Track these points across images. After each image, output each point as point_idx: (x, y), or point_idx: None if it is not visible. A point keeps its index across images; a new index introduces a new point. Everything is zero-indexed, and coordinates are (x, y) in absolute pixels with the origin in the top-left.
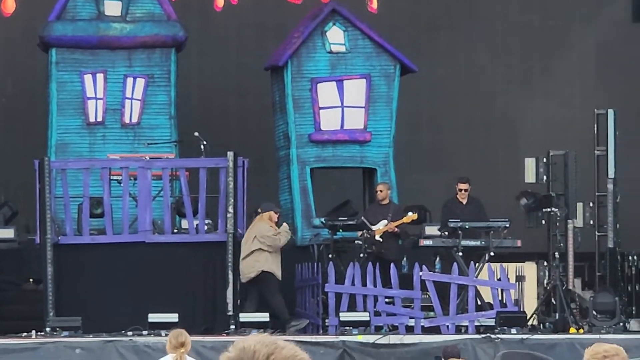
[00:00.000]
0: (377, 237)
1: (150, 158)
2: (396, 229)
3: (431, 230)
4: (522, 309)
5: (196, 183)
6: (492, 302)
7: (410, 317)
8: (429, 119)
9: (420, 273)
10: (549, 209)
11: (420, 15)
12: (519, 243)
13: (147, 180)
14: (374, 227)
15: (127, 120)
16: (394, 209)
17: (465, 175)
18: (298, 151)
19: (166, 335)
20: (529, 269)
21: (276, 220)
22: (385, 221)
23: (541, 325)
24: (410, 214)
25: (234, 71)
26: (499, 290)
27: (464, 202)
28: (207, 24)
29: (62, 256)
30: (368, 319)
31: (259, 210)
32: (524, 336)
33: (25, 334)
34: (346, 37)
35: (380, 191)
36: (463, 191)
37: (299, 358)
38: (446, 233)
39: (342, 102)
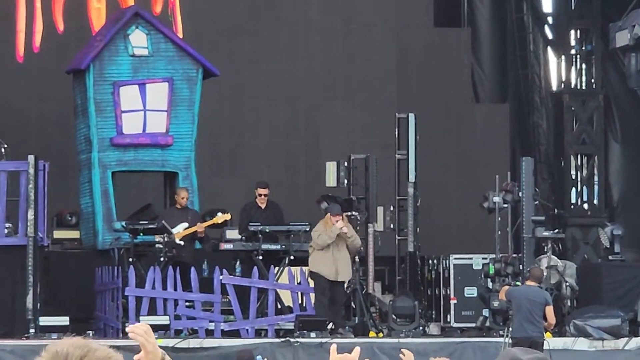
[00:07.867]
0: (178, 241)
1: None
2: (203, 231)
3: (232, 234)
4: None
5: None
6: (292, 305)
7: (210, 321)
8: (231, 122)
9: (221, 277)
10: (349, 213)
11: (222, 19)
12: None
13: None
14: (174, 231)
15: None
16: (192, 213)
17: (264, 180)
18: (99, 155)
19: None
20: None
21: (335, 222)
22: (185, 224)
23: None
24: (220, 214)
25: (35, 75)
26: (299, 294)
27: (263, 206)
28: (8, 28)
29: None
30: (168, 322)
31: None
32: (324, 340)
33: None
34: (149, 40)
35: (182, 198)
36: (263, 196)
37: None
38: (244, 237)
39: (145, 106)
